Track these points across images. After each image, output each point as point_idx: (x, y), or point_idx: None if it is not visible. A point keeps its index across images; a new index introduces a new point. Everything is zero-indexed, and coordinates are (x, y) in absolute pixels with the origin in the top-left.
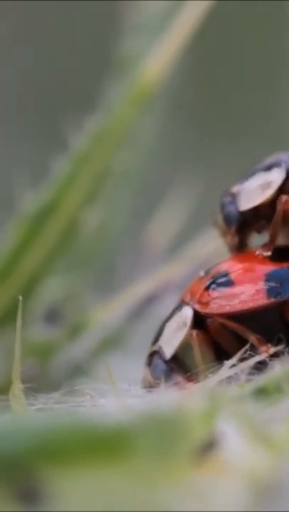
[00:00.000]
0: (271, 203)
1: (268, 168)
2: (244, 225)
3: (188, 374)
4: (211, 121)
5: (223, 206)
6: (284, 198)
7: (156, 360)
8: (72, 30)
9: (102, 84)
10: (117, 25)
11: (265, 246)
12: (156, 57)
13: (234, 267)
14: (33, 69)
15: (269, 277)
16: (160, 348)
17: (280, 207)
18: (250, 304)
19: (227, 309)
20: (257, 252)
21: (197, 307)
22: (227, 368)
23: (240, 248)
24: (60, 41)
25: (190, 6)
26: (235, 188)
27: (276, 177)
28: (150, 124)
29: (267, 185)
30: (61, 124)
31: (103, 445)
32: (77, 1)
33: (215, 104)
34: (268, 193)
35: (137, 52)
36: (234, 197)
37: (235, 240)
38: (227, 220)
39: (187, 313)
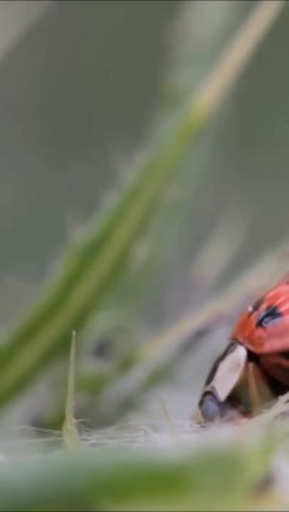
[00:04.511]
0: None
1: None
2: None
3: (243, 410)
4: (258, 152)
5: None
6: None
7: (209, 402)
8: (122, 62)
9: (152, 117)
10: (167, 57)
11: None
12: (207, 90)
13: (282, 300)
14: (80, 101)
15: None
16: (213, 388)
17: None
18: None
19: (280, 348)
20: None
21: (249, 347)
22: (282, 403)
23: None
24: (110, 74)
25: (241, 37)
26: None
27: None
28: (199, 155)
29: None
30: (111, 157)
31: (160, 481)
32: (127, 32)
33: (262, 135)
34: None
35: (188, 84)
36: None
37: None
38: None
39: (240, 354)
